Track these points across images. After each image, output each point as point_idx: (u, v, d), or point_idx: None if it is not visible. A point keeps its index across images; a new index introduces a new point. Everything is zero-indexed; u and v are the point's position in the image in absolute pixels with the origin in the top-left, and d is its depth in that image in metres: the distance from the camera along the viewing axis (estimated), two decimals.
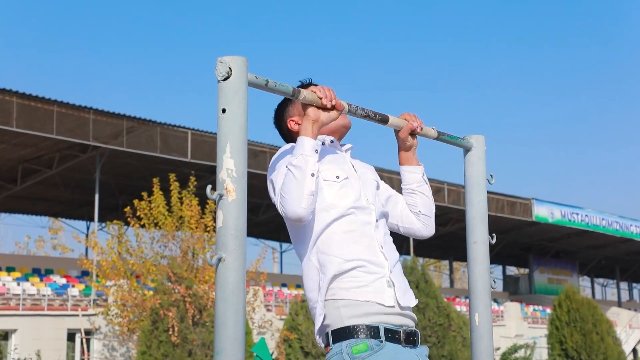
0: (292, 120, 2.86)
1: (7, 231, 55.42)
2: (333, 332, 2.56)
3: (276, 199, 2.59)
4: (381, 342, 2.52)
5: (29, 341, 20.25)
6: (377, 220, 2.70)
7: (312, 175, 2.48)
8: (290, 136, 2.88)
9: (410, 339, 2.60)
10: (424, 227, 2.93)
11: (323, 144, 2.78)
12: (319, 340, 2.64)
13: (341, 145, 2.87)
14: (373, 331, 2.52)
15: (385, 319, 2.56)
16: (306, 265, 2.65)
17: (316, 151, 2.52)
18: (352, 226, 2.63)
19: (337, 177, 2.69)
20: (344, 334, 2.53)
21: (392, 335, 2.55)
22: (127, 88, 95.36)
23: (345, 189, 2.68)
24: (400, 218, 2.92)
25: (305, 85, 2.84)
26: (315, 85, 2.80)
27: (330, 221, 2.62)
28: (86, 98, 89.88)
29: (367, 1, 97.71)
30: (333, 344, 2.55)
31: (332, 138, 2.83)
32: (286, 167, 2.53)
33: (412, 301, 2.68)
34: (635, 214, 76.04)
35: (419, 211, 2.92)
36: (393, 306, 2.58)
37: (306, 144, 2.51)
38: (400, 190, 2.97)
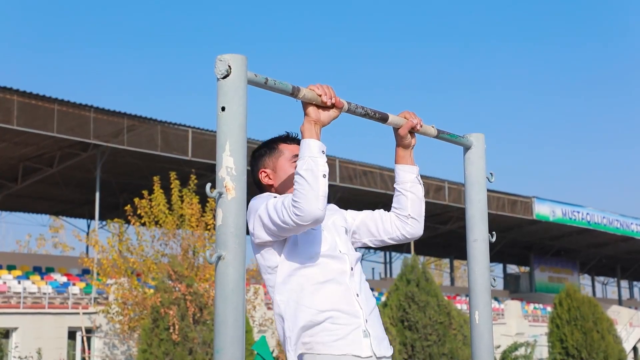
0: (264, 172, 2.85)
1: (8, 229, 55.49)
2: None
3: (280, 213, 2.52)
4: None
5: (29, 339, 20.26)
6: (351, 269, 2.70)
7: (324, 176, 2.46)
8: (260, 187, 2.87)
9: None
10: (412, 229, 2.93)
11: None
12: None
13: None
14: None
15: None
16: (273, 306, 2.68)
17: (323, 152, 2.50)
18: (326, 276, 2.63)
19: (313, 228, 2.67)
20: None
21: None
22: (127, 86, 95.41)
23: (319, 237, 2.69)
24: (385, 231, 2.92)
25: (289, 139, 2.88)
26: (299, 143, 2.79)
27: (303, 269, 2.62)
28: (87, 96, 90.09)
29: (366, 0, 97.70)
30: None
31: None
32: (296, 173, 2.49)
33: (388, 351, 2.68)
34: (636, 213, 75.99)
35: (408, 215, 2.91)
36: (370, 356, 2.59)
37: (312, 145, 2.49)
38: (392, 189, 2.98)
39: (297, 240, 2.65)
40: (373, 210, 2.99)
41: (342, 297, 2.61)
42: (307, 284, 2.60)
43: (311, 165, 2.46)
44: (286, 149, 2.85)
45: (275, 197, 2.63)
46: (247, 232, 2.52)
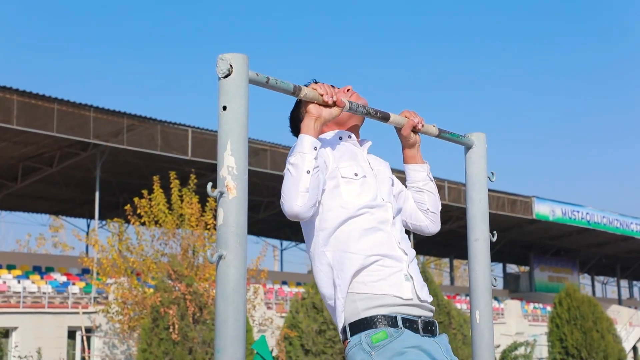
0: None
1: (8, 229, 55.45)
2: (350, 325, 2.55)
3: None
4: (400, 329, 2.51)
5: (29, 339, 20.26)
6: (393, 217, 2.70)
7: (308, 172, 2.46)
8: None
9: (428, 328, 2.60)
10: (432, 223, 2.95)
11: (341, 138, 2.79)
12: (341, 333, 2.61)
13: (360, 142, 2.86)
14: (391, 320, 2.52)
15: (403, 310, 2.56)
16: (319, 261, 2.64)
17: (315, 148, 2.50)
18: (370, 223, 2.62)
19: (356, 174, 2.68)
20: (362, 325, 2.53)
21: (410, 324, 2.54)
22: (127, 86, 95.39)
23: (363, 187, 2.67)
24: (410, 215, 2.93)
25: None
26: (316, 82, 2.80)
27: (346, 218, 2.61)
28: (87, 96, 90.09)
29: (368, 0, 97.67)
30: (351, 336, 2.54)
31: (350, 134, 2.83)
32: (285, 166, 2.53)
33: (429, 297, 2.68)
34: (635, 212, 76.08)
35: (427, 209, 2.93)
36: (411, 299, 2.58)
37: (305, 141, 2.50)
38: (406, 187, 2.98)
39: (340, 191, 2.64)
40: None
41: (386, 243, 2.62)
42: (352, 232, 2.59)
43: (298, 160, 2.47)
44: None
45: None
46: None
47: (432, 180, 2.96)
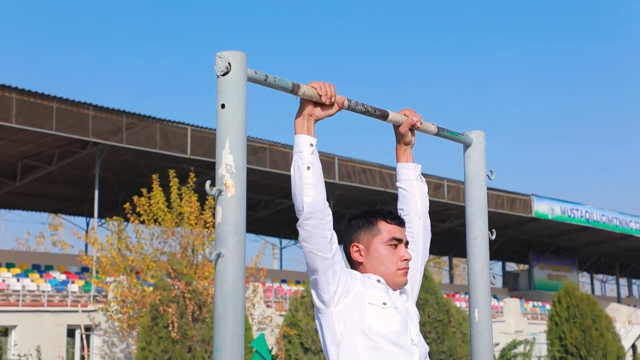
0: (357, 247, 2.75)
1: (7, 227, 55.52)
2: None
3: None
4: None
5: (29, 337, 20.25)
6: None
7: (308, 168, 2.46)
8: (349, 260, 2.77)
9: None
10: (419, 226, 2.93)
11: (378, 281, 2.69)
12: None
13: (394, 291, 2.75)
14: None
15: None
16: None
17: (311, 144, 2.50)
18: (390, 350, 2.54)
19: (384, 303, 2.60)
20: None
21: None
22: (126, 84, 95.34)
23: (391, 317, 2.59)
24: (421, 252, 2.92)
25: (389, 218, 2.79)
26: (401, 225, 2.78)
27: (367, 343, 2.54)
28: (86, 94, 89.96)
29: None
30: None
31: (379, 278, 2.71)
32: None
33: None
34: (635, 210, 76.14)
35: (419, 218, 2.91)
36: None
37: (300, 141, 2.50)
38: (395, 188, 2.97)
39: (365, 313, 2.56)
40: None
41: None
42: (364, 351, 2.53)
43: (297, 162, 2.48)
44: (385, 229, 2.73)
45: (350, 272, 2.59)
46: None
47: (423, 181, 2.94)
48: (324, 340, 2.61)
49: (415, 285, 2.85)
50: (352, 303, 2.56)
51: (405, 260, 2.71)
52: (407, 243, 2.76)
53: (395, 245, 2.71)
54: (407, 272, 2.72)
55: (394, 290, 2.70)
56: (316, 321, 2.65)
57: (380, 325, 2.55)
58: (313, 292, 2.61)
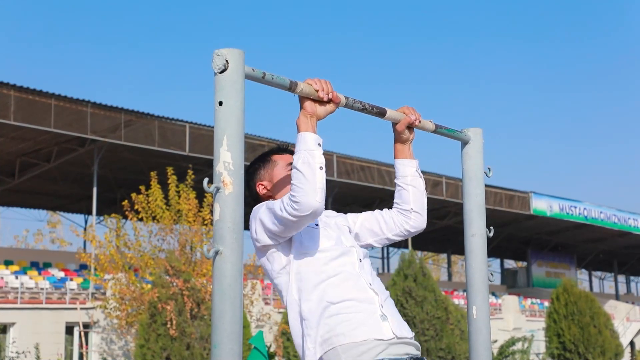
0: (261, 184, 2.86)
1: (6, 225, 55.42)
2: None
3: (279, 209, 2.53)
4: None
5: (27, 335, 20.24)
6: (360, 260, 2.71)
7: (321, 168, 2.46)
8: (258, 200, 2.87)
9: None
10: (415, 222, 2.92)
11: None
12: None
13: None
14: None
15: (388, 351, 2.56)
16: (290, 307, 2.66)
17: (319, 144, 2.50)
18: (336, 269, 2.63)
19: (316, 224, 2.72)
20: None
21: None
22: (125, 81, 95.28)
23: (324, 233, 2.71)
24: (388, 229, 2.92)
25: (280, 150, 2.91)
26: (292, 153, 2.81)
27: (312, 267, 2.63)
28: (84, 91, 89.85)
29: None
30: None
31: None
32: (293, 166, 2.50)
33: (409, 333, 2.68)
34: (633, 208, 76.09)
35: (411, 208, 2.91)
36: (392, 337, 2.58)
37: (308, 138, 2.49)
38: (394, 185, 2.97)
39: (302, 240, 2.66)
40: (373, 210, 3.00)
41: (355, 287, 2.62)
42: (318, 280, 2.61)
43: (307, 158, 2.46)
44: (279, 159, 2.87)
45: (273, 201, 2.63)
46: (247, 229, 2.51)
47: (420, 177, 2.94)
48: (272, 277, 2.72)
49: (358, 222, 2.93)
50: (293, 241, 2.67)
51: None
52: None
53: None
54: None
55: None
56: (260, 261, 2.75)
57: (316, 242, 2.67)
58: (265, 259, 2.71)
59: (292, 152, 2.79)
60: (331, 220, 2.82)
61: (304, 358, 2.59)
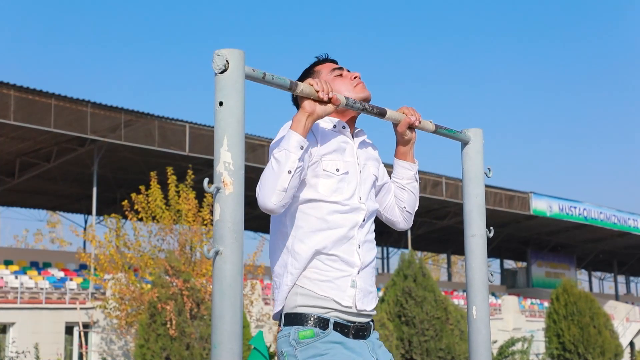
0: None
1: (5, 225, 55.42)
2: (286, 315, 2.62)
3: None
4: (327, 331, 2.57)
5: (27, 334, 20.24)
6: (364, 220, 2.71)
7: (289, 172, 2.45)
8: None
9: (359, 334, 2.65)
10: (404, 221, 2.98)
11: (335, 127, 2.76)
12: (276, 316, 2.68)
13: (355, 132, 2.84)
14: (322, 322, 2.57)
15: (338, 315, 2.61)
16: (280, 238, 2.67)
17: (301, 147, 2.48)
18: (338, 223, 2.64)
19: (337, 170, 2.68)
20: (296, 319, 2.59)
21: (341, 328, 2.60)
22: (125, 81, 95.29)
23: (342, 184, 2.67)
24: (386, 208, 2.95)
25: (320, 61, 2.89)
26: (332, 61, 2.87)
27: (316, 209, 2.63)
28: (84, 91, 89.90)
29: None
30: (284, 326, 2.62)
31: (344, 124, 2.79)
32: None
33: (371, 305, 2.69)
34: (633, 208, 76.13)
35: (404, 207, 2.94)
36: (350, 307, 2.61)
37: (292, 139, 2.48)
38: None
39: (317, 182, 2.65)
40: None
41: (344, 245, 2.64)
42: (318, 226, 2.62)
43: (282, 157, 2.46)
44: (322, 68, 2.86)
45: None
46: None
47: (417, 181, 2.97)
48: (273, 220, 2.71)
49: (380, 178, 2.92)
50: (310, 173, 2.64)
51: (356, 77, 2.84)
52: (349, 70, 2.88)
53: (340, 74, 2.82)
54: (364, 86, 2.83)
55: (352, 128, 2.82)
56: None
57: (331, 193, 2.65)
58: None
59: (332, 60, 2.86)
60: (361, 164, 2.78)
61: (279, 286, 2.64)
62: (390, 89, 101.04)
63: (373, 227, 2.79)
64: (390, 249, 47.75)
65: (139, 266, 20.25)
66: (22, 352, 17.45)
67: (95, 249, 21.60)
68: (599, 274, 62.76)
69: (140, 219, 20.48)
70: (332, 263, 2.61)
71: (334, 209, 2.64)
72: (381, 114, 2.74)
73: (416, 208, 2.98)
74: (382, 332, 16.36)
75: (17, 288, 22.10)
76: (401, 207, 2.95)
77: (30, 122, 21.37)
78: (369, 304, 2.69)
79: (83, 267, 27.31)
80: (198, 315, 15.62)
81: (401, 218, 2.96)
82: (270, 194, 2.45)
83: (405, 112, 2.84)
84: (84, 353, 20.52)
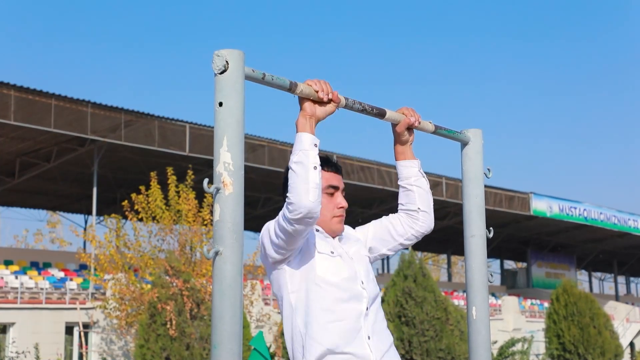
0: None
1: (6, 225, 55.39)
2: None
3: (279, 217, 2.54)
4: None
5: (27, 334, 20.24)
6: (367, 309, 2.68)
7: (315, 168, 2.44)
8: None
9: None
10: (424, 222, 2.93)
11: (317, 230, 2.74)
12: None
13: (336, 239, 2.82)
14: None
15: None
16: (290, 329, 2.66)
17: (315, 145, 2.49)
18: (343, 314, 2.61)
19: (332, 252, 2.69)
20: None
21: None
22: (125, 81, 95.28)
23: (339, 265, 2.68)
24: (399, 234, 2.92)
25: (328, 164, 2.82)
26: (336, 171, 2.82)
27: (322, 302, 2.61)
28: (84, 91, 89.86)
29: None
30: None
31: (319, 228, 2.77)
32: (288, 167, 2.49)
33: None
34: (633, 208, 76.09)
35: (418, 208, 2.91)
36: None
37: (304, 139, 2.48)
38: (394, 185, 2.98)
39: (314, 265, 2.64)
40: (372, 209, 3.01)
41: (355, 339, 2.61)
42: (325, 320, 2.60)
43: (302, 158, 2.45)
44: (322, 177, 2.67)
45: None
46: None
47: (423, 176, 2.95)
48: (279, 295, 2.70)
49: (369, 235, 2.91)
50: (304, 254, 2.65)
51: (341, 207, 2.80)
52: (343, 190, 2.84)
53: (332, 194, 2.78)
54: (342, 220, 2.80)
55: (333, 238, 2.79)
56: (270, 278, 2.73)
57: (330, 274, 2.64)
58: (274, 277, 2.69)
59: (336, 171, 2.80)
60: (351, 249, 2.78)
61: None
62: (390, 89, 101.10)
63: (382, 314, 2.76)
64: None
65: (139, 266, 20.25)
66: (22, 352, 17.45)
67: (95, 249, 21.60)
68: (599, 274, 62.73)
69: (140, 219, 20.48)
70: None
71: (336, 295, 2.61)
72: (381, 114, 2.74)
73: (431, 204, 2.95)
74: None
75: (17, 288, 22.10)
76: (415, 210, 2.91)
77: (30, 122, 21.38)
78: None
79: (83, 267, 27.30)
80: (198, 316, 15.62)
81: (419, 224, 2.92)
82: (306, 193, 2.42)
83: (405, 112, 2.84)
84: (84, 353, 20.52)
